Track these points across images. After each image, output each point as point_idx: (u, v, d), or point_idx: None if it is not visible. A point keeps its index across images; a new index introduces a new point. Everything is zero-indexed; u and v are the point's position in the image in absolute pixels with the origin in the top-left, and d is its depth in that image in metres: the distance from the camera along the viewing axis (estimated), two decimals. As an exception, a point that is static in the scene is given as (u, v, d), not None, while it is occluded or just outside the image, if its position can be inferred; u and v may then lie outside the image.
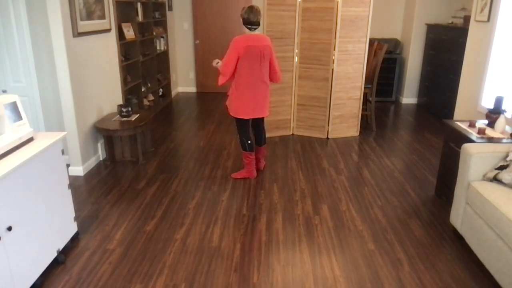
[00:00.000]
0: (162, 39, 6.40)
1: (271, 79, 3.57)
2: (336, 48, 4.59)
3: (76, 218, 2.79)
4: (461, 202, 2.71)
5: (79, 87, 3.74)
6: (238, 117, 3.51)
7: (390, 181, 3.73)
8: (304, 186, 3.62)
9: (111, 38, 4.39)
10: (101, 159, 4.20)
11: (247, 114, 3.47)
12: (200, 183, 3.66)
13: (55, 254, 2.46)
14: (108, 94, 4.37)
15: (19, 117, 2.32)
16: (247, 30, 3.36)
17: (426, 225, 2.99)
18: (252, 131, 3.72)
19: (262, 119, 3.75)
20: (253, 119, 3.68)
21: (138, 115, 4.28)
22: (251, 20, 3.27)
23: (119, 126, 3.90)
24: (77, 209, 3.18)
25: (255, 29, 3.35)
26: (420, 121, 5.68)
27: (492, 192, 2.40)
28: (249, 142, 3.58)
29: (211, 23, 7.07)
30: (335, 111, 4.84)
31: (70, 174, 3.78)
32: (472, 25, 4.27)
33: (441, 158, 3.37)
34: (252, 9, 3.27)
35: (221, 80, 3.41)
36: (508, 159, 2.53)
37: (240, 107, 3.46)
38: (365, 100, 5.49)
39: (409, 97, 6.75)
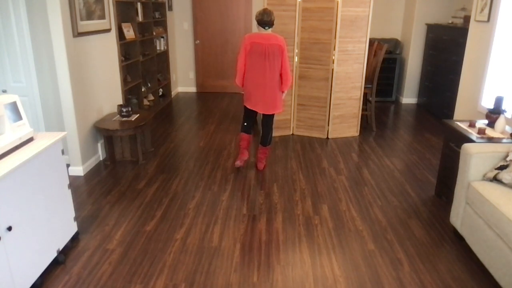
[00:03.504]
0: (162, 39, 6.39)
1: (281, 81, 3.69)
2: (336, 48, 4.59)
3: (76, 218, 2.79)
4: (461, 202, 2.71)
5: (79, 87, 3.74)
6: (244, 104, 3.82)
7: (390, 181, 3.73)
8: (304, 186, 3.62)
9: (111, 38, 4.39)
10: (101, 159, 4.20)
11: (250, 105, 3.72)
12: (200, 183, 3.66)
13: (55, 254, 2.46)
14: (108, 94, 4.37)
15: (19, 117, 2.32)
16: (258, 29, 3.59)
17: (426, 225, 2.99)
18: (261, 129, 3.94)
19: (271, 118, 3.83)
20: (262, 117, 3.84)
21: (138, 115, 4.28)
22: (264, 20, 3.50)
23: (119, 126, 3.90)
24: (77, 209, 3.18)
25: (267, 28, 3.54)
26: (420, 121, 5.68)
27: (492, 192, 2.40)
28: (245, 124, 3.86)
29: (211, 23, 7.06)
30: (335, 111, 4.84)
31: (70, 174, 3.78)
32: (472, 25, 4.27)
33: (441, 158, 3.37)
34: (265, 11, 3.52)
35: (236, 76, 3.70)
36: (508, 159, 2.53)
37: (245, 96, 3.75)
38: (365, 100, 5.49)
39: (409, 97, 6.75)
